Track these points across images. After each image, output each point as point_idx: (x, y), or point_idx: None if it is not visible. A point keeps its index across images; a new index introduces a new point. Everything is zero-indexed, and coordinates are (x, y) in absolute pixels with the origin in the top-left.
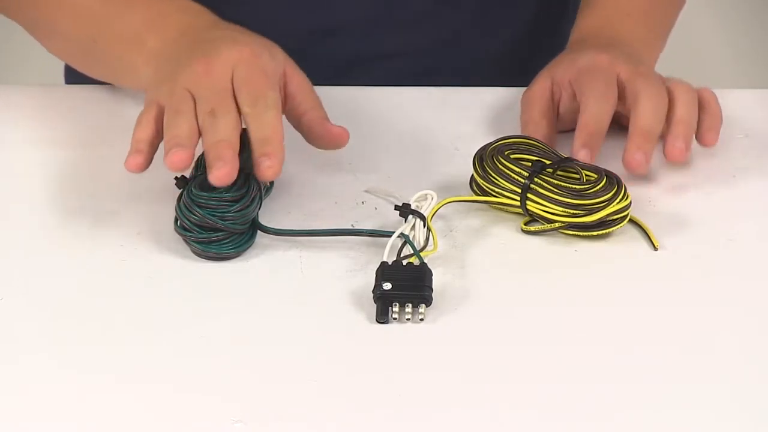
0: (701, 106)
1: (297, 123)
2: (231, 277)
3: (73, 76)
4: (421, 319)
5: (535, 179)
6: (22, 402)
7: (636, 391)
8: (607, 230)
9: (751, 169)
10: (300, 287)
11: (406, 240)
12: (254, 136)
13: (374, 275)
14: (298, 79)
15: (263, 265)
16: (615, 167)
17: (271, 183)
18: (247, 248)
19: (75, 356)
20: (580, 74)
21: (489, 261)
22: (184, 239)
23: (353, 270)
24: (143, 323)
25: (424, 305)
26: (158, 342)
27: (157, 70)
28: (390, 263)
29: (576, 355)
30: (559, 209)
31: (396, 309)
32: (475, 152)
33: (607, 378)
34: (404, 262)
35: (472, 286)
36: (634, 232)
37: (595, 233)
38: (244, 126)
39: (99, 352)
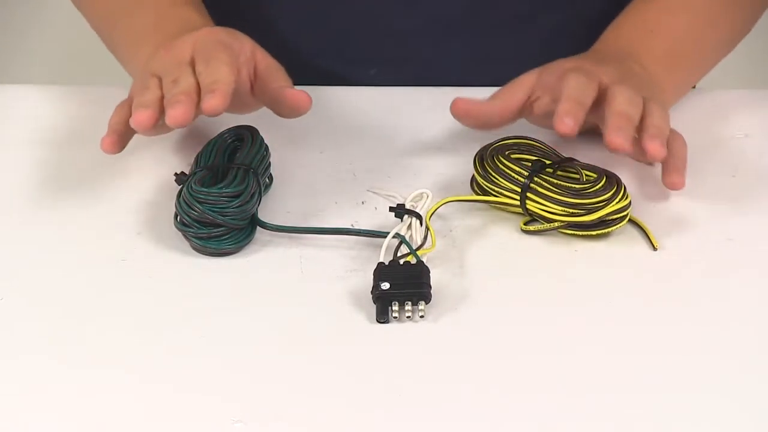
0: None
1: (265, 98)
2: (231, 278)
3: None
4: (422, 317)
5: (535, 179)
6: (22, 402)
7: (634, 390)
8: (606, 230)
9: (751, 169)
10: (300, 287)
11: (401, 240)
12: (204, 82)
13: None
14: (267, 61)
15: (263, 266)
16: (615, 169)
17: (271, 178)
18: (246, 244)
19: (75, 356)
20: (565, 73)
21: (489, 261)
22: (183, 235)
23: (353, 270)
24: (143, 323)
25: (423, 302)
26: (158, 342)
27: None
28: (387, 263)
29: (575, 355)
30: (558, 209)
31: (396, 308)
32: (476, 152)
33: (606, 377)
34: (401, 262)
35: (471, 285)
36: (634, 232)
37: (594, 233)
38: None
39: (99, 352)
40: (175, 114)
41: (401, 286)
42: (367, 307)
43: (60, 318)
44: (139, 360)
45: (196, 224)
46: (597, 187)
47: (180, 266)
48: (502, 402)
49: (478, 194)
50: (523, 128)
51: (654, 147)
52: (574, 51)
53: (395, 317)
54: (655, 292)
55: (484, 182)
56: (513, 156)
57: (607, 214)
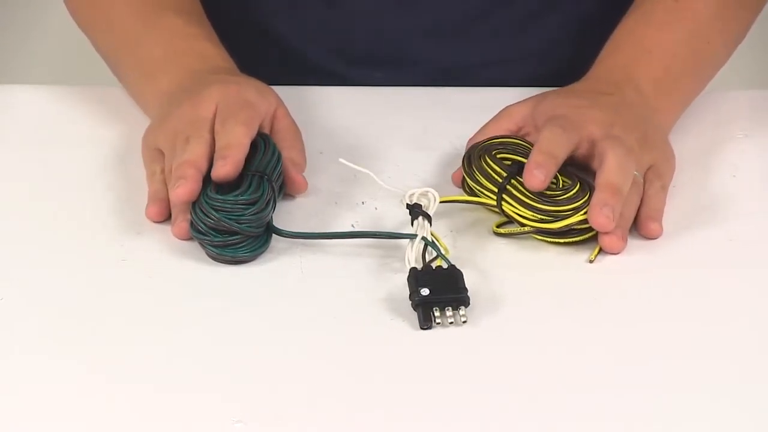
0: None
1: None
2: (231, 277)
3: None
4: (464, 321)
5: (512, 181)
6: (22, 402)
7: (640, 391)
8: (575, 239)
9: (751, 169)
10: (300, 287)
11: (427, 243)
12: (218, 145)
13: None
14: (286, 121)
15: (264, 265)
16: None
17: (282, 185)
18: (263, 252)
19: (75, 356)
20: (546, 121)
21: (489, 260)
22: (199, 243)
23: (354, 270)
24: (143, 323)
25: (463, 307)
26: (158, 342)
27: (157, 114)
28: (420, 268)
29: (575, 356)
30: (529, 213)
31: (437, 314)
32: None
33: (606, 377)
34: (434, 266)
35: (471, 286)
36: (637, 233)
37: (562, 241)
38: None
39: (99, 352)
40: (179, 192)
41: (440, 292)
42: (368, 308)
43: (60, 318)
44: (139, 360)
45: (211, 232)
46: (569, 194)
47: (180, 267)
48: (500, 402)
49: (467, 193)
50: None
51: (653, 229)
52: (574, 51)
53: (438, 323)
54: (655, 292)
55: (470, 181)
56: (499, 156)
57: (575, 223)
